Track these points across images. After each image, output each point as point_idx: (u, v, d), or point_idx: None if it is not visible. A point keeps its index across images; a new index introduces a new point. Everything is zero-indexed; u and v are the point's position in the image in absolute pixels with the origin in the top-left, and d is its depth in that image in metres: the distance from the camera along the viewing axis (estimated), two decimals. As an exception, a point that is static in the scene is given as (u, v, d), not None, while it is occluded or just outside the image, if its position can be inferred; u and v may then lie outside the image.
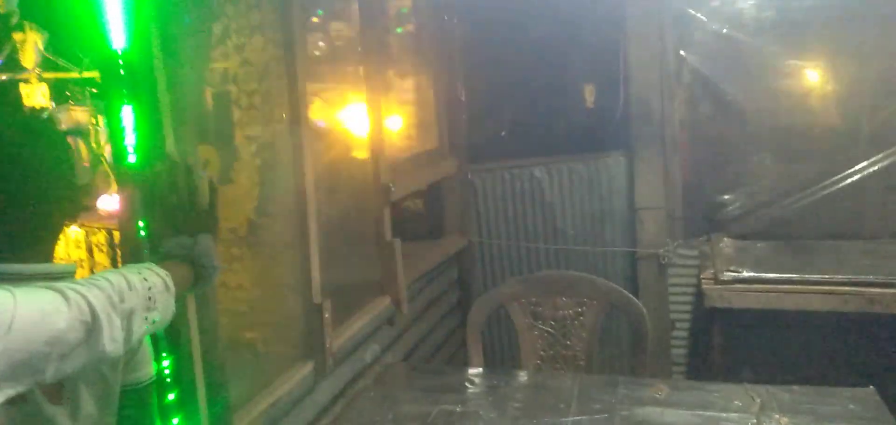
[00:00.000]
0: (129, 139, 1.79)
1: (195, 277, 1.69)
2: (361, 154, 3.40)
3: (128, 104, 1.78)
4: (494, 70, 4.19)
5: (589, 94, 4.33)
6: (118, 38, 1.76)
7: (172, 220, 1.72)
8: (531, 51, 4.14)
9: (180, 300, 1.64)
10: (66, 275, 1.52)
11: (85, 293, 1.32)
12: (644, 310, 2.91)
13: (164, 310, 1.54)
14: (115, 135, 1.79)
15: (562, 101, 4.19)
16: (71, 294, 1.30)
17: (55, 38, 5.38)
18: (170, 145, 1.80)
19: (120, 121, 1.78)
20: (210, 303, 1.93)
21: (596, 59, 4.11)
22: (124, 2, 1.76)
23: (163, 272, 1.57)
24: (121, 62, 1.76)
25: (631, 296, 2.97)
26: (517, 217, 4.19)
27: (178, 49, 1.86)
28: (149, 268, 1.55)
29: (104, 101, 1.89)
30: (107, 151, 5.76)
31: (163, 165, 1.75)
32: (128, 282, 1.45)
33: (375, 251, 3.37)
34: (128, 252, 1.86)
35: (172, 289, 1.57)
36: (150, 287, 1.50)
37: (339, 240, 3.04)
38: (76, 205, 1.60)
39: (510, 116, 4.28)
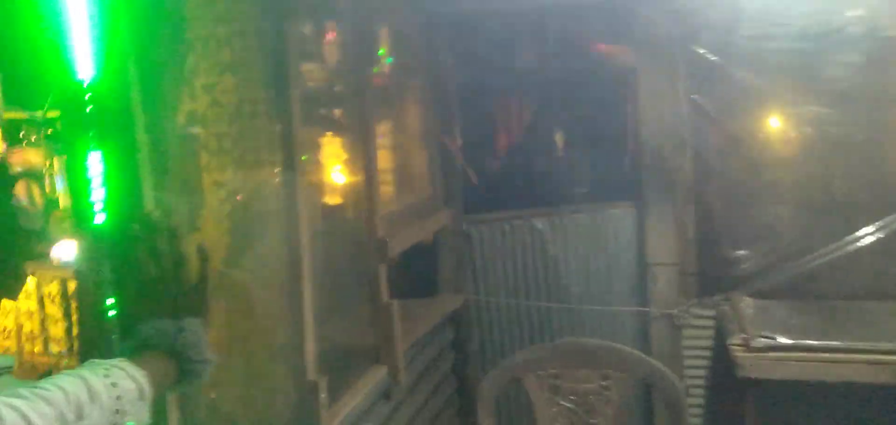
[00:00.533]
0: (97, 193, 1.41)
1: (179, 374, 1.32)
2: (352, 205, 3.05)
3: (95, 149, 1.41)
4: (493, 113, 3.88)
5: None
6: (85, 67, 1.40)
7: (151, 299, 1.35)
8: (533, 94, 3.86)
9: (159, 404, 1.27)
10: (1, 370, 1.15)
11: (26, 411, 0.96)
12: (681, 386, 2.58)
13: (137, 422, 1.17)
14: (79, 189, 1.42)
15: (565, 147, 3.89)
16: (6, 413, 0.93)
17: (7, 70, 4.96)
18: (149, 202, 1.43)
19: (85, 169, 1.41)
20: (196, 409, 1.55)
21: (603, 103, 3.83)
22: (94, 21, 1.40)
23: (137, 371, 1.19)
24: (87, 96, 1.40)
25: (665, 368, 2.64)
26: (517, 272, 3.86)
27: (160, 81, 1.50)
28: (119, 367, 1.18)
29: (65, 144, 1.52)
30: (62, 195, 5.31)
31: (140, 227, 1.38)
32: (89, 391, 1.08)
33: (369, 314, 3.00)
34: (91, 337, 1.48)
35: (149, 393, 1.20)
36: (118, 396, 1.13)
37: (327, 302, 2.67)
38: (17, 280, 1.23)
39: (509, 163, 3.97)
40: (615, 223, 3.83)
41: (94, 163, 1.40)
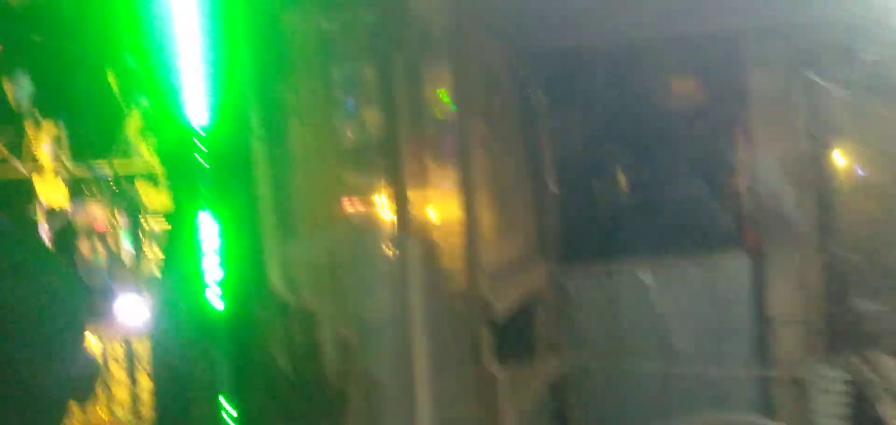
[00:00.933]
0: (212, 267, 1.12)
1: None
2: (450, 259, 2.74)
3: (208, 209, 1.12)
4: (588, 154, 3.56)
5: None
6: (198, 111, 1.12)
7: (283, 403, 1.05)
8: (632, 133, 3.53)
9: None
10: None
11: None
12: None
13: None
14: (188, 261, 1.13)
15: (671, 191, 3.54)
16: None
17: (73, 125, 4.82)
18: (277, 279, 1.13)
19: (194, 234, 1.11)
20: None
21: (710, 140, 3.48)
22: (208, 59, 1.12)
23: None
24: (202, 147, 1.11)
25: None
26: (620, 330, 3.50)
27: (283, 125, 1.22)
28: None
29: (173, 204, 1.24)
30: (125, 250, 5.12)
31: (268, 312, 1.08)
32: None
33: (472, 383, 2.67)
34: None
35: None
36: None
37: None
38: (84, 383, 0.95)
39: (610, 210, 3.63)
40: (729, 273, 3.45)
41: (208, 224, 1.12)
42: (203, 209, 1.12)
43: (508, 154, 3.36)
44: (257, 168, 1.14)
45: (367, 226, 1.82)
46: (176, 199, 1.16)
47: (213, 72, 1.13)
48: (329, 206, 1.55)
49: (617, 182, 3.61)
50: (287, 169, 1.23)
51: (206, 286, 1.11)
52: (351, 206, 1.73)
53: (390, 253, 1.92)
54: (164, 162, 1.29)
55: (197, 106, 1.12)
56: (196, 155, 1.11)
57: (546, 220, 3.45)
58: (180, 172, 1.13)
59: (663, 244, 3.48)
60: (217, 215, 1.12)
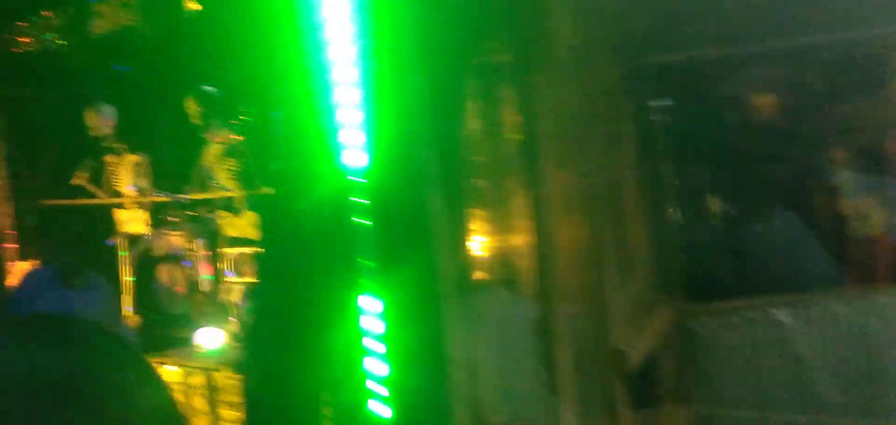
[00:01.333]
0: (374, 363, 0.82)
1: None
2: (572, 300, 2.42)
3: (372, 294, 0.82)
4: (717, 181, 3.21)
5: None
6: (353, 152, 0.82)
7: None
8: (766, 156, 3.16)
9: None
10: None
11: None
12: None
13: None
14: (342, 350, 0.83)
15: (811, 218, 3.17)
16: None
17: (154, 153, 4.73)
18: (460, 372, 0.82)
19: (358, 325, 0.82)
20: None
21: (857, 159, 3.10)
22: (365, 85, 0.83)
23: None
24: (360, 199, 0.82)
25: None
26: (757, 378, 3.11)
27: (453, 168, 0.92)
28: None
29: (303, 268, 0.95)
30: (203, 278, 4.97)
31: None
32: None
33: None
34: None
35: None
36: None
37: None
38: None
39: (739, 241, 3.27)
40: (882, 311, 3.04)
41: (372, 316, 0.82)
42: (361, 284, 0.83)
43: (630, 181, 3.03)
44: (432, 224, 0.84)
45: (512, 278, 1.52)
46: (323, 266, 0.87)
47: (370, 102, 0.84)
48: (489, 262, 1.26)
49: (747, 209, 3.24)
50: (461, 221, 0.94)
51: (367, 391, 0.81)
52: (498, 257, 1.43)
53: (533, 304, 1.61)
54: (306, 215, 1.01)
55: (353, 144, 0.83)
56: (353, 209, 0.82)
57: (669, 255, 3.10)
58: (329, 230, 0.84)
59: (803, 279, 3.11)
60: (380, 291, 0.83)
